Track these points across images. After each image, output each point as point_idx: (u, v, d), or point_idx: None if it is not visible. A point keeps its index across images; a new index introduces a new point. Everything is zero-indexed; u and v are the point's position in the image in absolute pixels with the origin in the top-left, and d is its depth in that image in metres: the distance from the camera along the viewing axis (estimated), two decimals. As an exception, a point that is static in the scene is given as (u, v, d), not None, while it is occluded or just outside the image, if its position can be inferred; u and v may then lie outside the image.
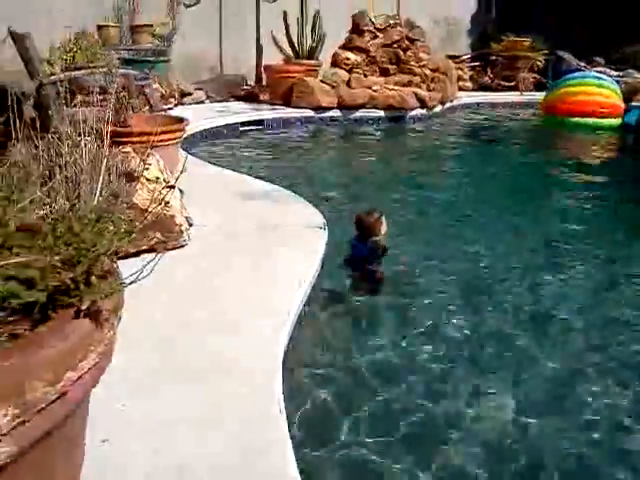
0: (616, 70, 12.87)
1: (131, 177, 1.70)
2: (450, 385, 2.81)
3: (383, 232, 4.15)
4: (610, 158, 8.98)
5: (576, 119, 9.94)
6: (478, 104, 12.43)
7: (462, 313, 3.48)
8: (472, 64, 14.48)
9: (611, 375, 2.91)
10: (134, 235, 1.37)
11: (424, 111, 10.28)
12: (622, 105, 10.38)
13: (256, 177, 5.46)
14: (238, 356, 2.47)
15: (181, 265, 3.31)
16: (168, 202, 3.31)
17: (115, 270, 1.40)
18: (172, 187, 3.02)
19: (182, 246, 3.58)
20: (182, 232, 3.60)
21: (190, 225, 3.80)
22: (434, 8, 14.78)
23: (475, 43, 15.89)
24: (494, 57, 14.70)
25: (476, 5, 16.26)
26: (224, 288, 3.11)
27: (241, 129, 8.36)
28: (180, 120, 4.75)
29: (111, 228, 1.39)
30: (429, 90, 10.44)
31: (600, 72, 11.92)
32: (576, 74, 11.16)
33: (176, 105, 8.35)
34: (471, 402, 2.68)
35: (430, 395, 2.70)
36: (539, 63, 14.26)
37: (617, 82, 10.96)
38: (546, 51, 14.23)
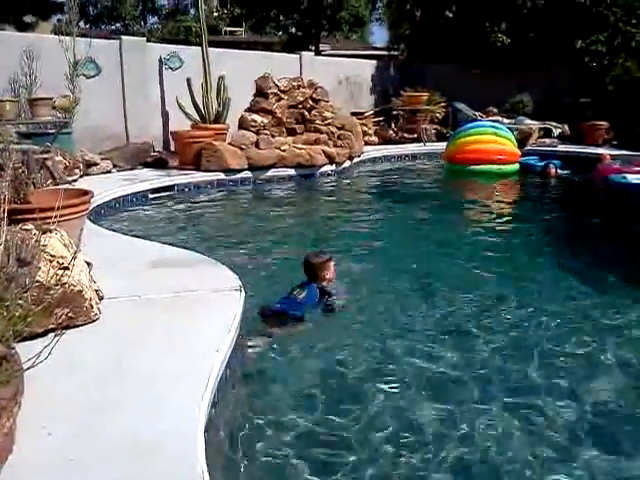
0: (508, 118, 13.73)
1: (24, 262, 1.63)
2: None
3: (330, 276, 4.15)
4: (513, 200, 9.47)
5: (477, 167, 10.45)
6: (384, 157, 12.88)
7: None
8: (376, 119, 15.07)
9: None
10: (30, 319, 1.31)
11: (333, 167, 10.54)
12: (517, 151, 11.03)
13: (169, 244, 5.37)
14: (155, 436, 2.36)
15: (92, 341, 3.17)
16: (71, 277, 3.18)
17: (12, 356, 1.32)
18: (66, 268, 2.89)
19: (93, 321, 3.44)
20: (92, 306, 3.46)
21: (101, 298, 3.66)
22: (336, 69, 15.40)
23: (378, 99, 16.59)
24: (396, 112, 15.39)
25: (376, 64, 17.06)
26: (138, 362, 2.99)
27: (151, 196, 8.25)
28: (85, 193, 4.63)
29: (5, 314, 1.32)
30: (336, 147, 10.73)
31: (495, 121, 12.68)
32: (473, 124, 11.81)
33: (81, 176, 8.16)
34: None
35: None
36: (438, 115, 15.02)
37: (510, 129, 11.68)
38: (443, 103, 15.03)
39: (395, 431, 2.90)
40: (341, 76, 15.53)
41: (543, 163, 11.22)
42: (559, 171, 10.94)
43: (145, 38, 12.44)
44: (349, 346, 3.85)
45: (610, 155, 11.27)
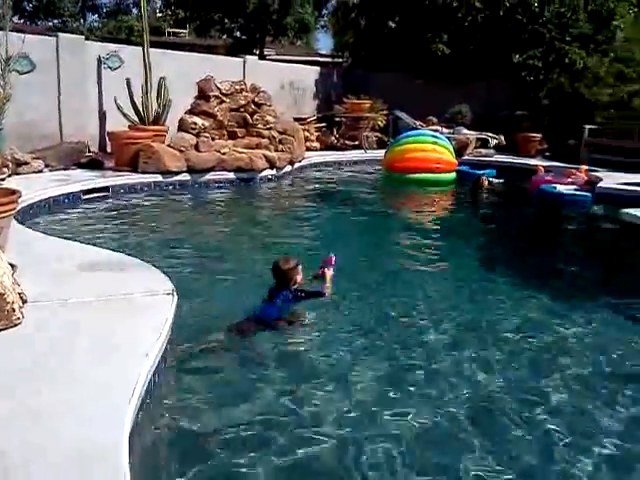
0: (447, 127, 14.03)
1: None
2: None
3: (300, 280, 4.26)
4: (447, 208, 9.66)
5: (415, 175, 10.61)
6: (325, 163, 12.94)
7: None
8: (318, 125, 15.14)
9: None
10: None
11: (274, 172, 10.52)
12: (455, 160, 11.25)
13: (100, 246, 5.23)
14: (78, 443, 2.28)
15: (14, 347, 3.06)
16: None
17: None
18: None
19: (15, 325, 3.31)
20: (14, 310, 3.33)
21: (24, 302, 3.53)
22: (280, 74, 15.40)
23: (320, 106, 16.67)
24: (338, 118, 15.51)
25: (320, 70, 17.15)
26: (61, 368, 2.89)
27: (84, 197, 8.01)
28: (12, 192, 4.46)
29: None
30: (277, 151, 10.71)
31: (434, 130, 12.94)
32: (413, 132, 11.99)
33: (10, 175, 7.85)
34: None
35: None
36: (380, 122, 15.21)
37: (448, 139, 11.93)
38: (385, 111, 15.23)
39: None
40: (285, 81, 15.54)
41: (480, 172, 11.50)
42: (496, 180, 11.24)
43: (84, 36, 12.10)
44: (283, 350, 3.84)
45: (544, 166, 11.66)
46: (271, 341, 3.94)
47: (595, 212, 9.25)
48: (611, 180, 10.41)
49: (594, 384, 3.56)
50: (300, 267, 4.27)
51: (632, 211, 7.54)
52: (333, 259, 4.61)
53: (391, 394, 3.33)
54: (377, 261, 6.02)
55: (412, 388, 3.41)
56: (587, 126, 13.30)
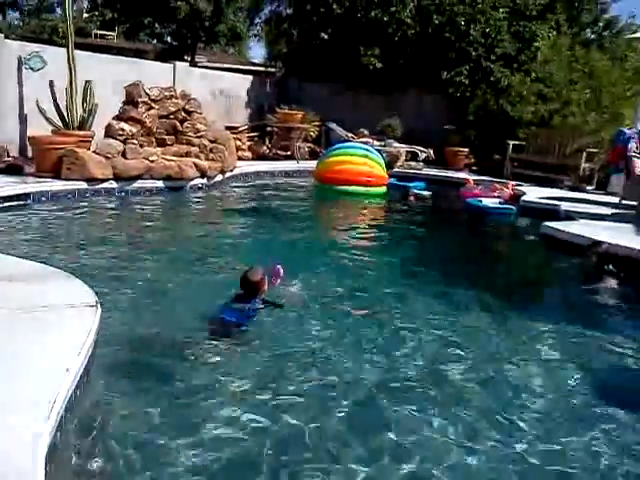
0: (378, 140, 14.23)
1: None
2: None
3: (266, 287, 4.43)
4: (377, 221, 9.75)
5: (346, 187, 10.68)
6: (257, 173, 12.85)
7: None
8: (250, 135, 15.05)
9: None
10: None
11: (204, 181, 10.36)
12: (386, 174, 11.38)
13: (20, 256, 4.96)
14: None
15: None
16: None
17: None
18: None
19: None
20: None
21: None
22: (212, 82, 15.23)
23: (252, 115, 16.59)
24: (271, 128, 15.48)
25: (252, 80, 17.06)
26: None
27: (2, 205, 7.61)
28: None
29: None
30: (208, 160, 10.55)
31: (365, 142, 13.10)
32: (344, 144, 12.10)
33: None
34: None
35: None
36: (312, 133, 15.28)
37: (379, 151, 12.10)
38: (317, 122, 15.32)
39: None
40: (216, 89, 15.37)
41: (411, 184, 11.71)
42: (425, 193, 11.46)
43: (3, 34, 11.57)
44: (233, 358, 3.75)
45: (473, 180, 12.00)
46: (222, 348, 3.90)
47: (518, 225, 9.61)
48: (534, 194, 10.84)
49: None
50: (266, 277, 4.41)
51: (552, 224, 7.85)
52: (281, 270, 4.71)
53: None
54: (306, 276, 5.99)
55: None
56: (511, 142, 13.80)
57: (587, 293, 5.95)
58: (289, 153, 14.64)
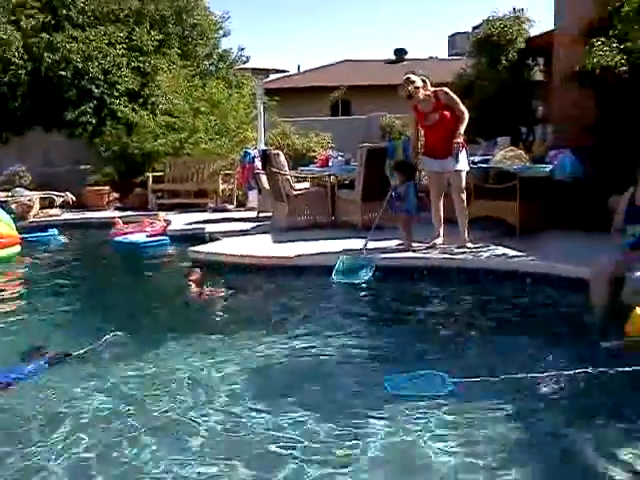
0: (4, 191, 12.94)
1: None
2: None
3: None
4: (16, 281, 8.67)
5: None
6: None
7: None
8: None
9: None
10: None
11: None
12: (15, 232, 9.58)
13: None
14: None
15: None
16: None
17: None
18: None
19: None
20: None
21: None
22: None
23: None
24: None
25: None
26: None
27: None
28: None
29: None
30: None
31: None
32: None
33: None
34: None
35: None
36: None
37: (6, 203, 10.90)
38: None
39: None
40: None
41: (44, 234, 10.75)
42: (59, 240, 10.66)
43: None
44: None
45: (122, 219, 11.30)
46: None
47: (172, 254, 9.57)
48: (180, 221, 11.02)
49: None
50: None
51: (195, 248, 8.05)
52: None
53: None
54: None
55: None
56: (149, 173, 13.82)
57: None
58: None
